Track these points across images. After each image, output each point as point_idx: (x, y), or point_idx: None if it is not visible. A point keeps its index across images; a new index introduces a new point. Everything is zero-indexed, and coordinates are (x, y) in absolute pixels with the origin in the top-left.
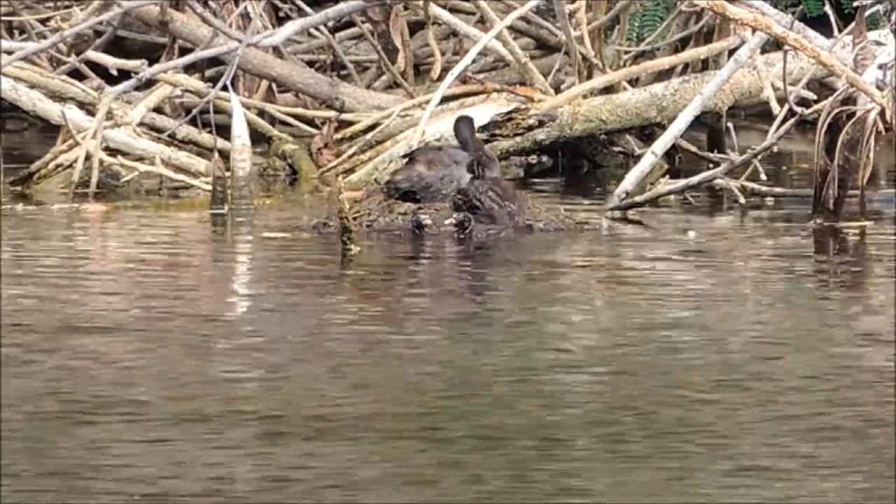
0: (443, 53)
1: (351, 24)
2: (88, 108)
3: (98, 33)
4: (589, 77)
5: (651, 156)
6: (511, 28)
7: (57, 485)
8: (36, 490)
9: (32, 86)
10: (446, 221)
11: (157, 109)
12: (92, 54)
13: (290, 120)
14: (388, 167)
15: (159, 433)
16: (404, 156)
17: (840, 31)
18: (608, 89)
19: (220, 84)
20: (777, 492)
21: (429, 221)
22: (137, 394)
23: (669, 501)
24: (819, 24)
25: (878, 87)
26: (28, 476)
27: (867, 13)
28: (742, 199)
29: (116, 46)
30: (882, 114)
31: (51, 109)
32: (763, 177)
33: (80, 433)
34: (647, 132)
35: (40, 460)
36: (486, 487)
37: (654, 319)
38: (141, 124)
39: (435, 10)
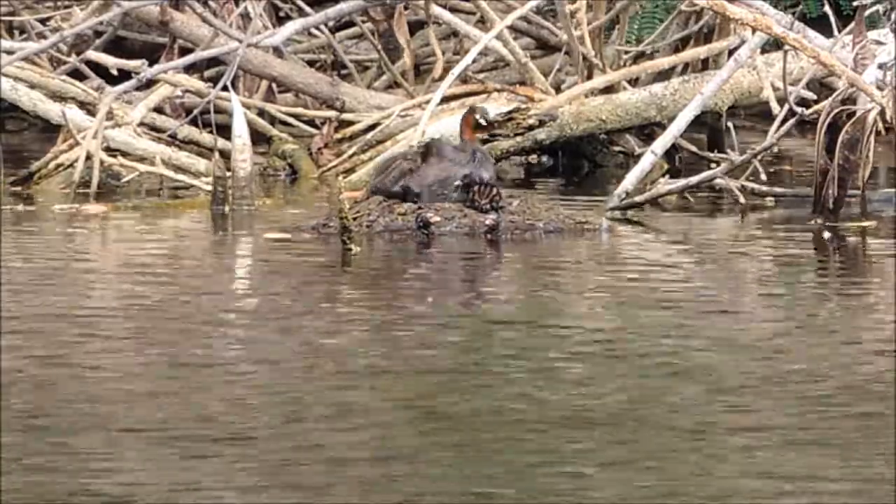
0: (443, 53)
1: (351, 23)
2: (89, 108)
3: (98, 33)
4: (589, 77)
5: (651, 155)
6: (511, 28)
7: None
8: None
9: (32, 86)
10: (486, 221)
11: (158, 109)
12: (92, 54)
13: (291, 120)
14: None
15: (157, 434)
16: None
17: (840, 31)
18: (608, 89)
19: (220, 84)
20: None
21: (437, 219)
22: (134, 396)
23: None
24: (819, 24)
25: (878, 87)
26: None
27: (867, 13)
28: (742, 199)
29: (116, 46)
30: (882, 113)
31: (51, 109)
32: (763, 177)
33: (77, 433)
34: (647, 132)
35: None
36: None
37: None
38: (141, 124)
39: (435, 9)
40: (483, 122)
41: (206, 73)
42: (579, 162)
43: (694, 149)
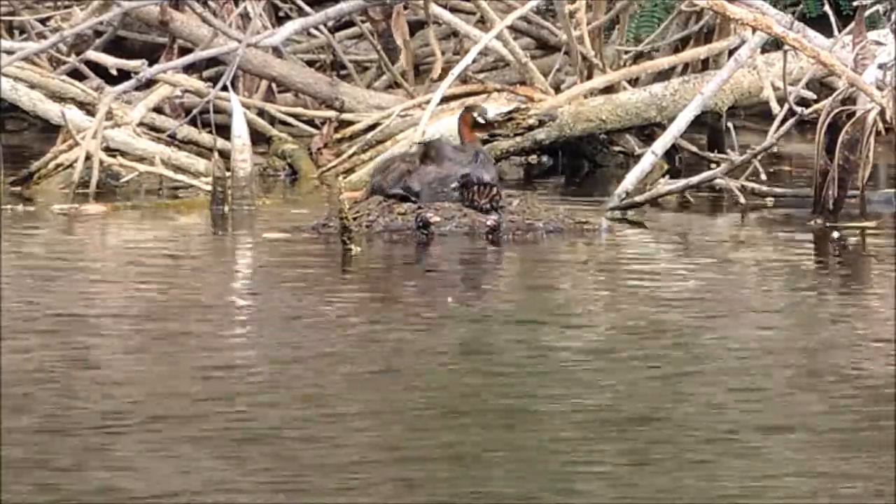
0: (443, 53)
1: (351, 23)
2: (88, 108)
3: (98, 33)
4: (589, 77)
5: (651, 156)
6: (511, 28)
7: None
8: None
9: (32, 86)
10: (488, 222)
11: (158, 109)
12: (92, 54)
13: (290, 120)
14: None
15: (153, 436)
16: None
17: (840, 31)
18: (608, 89)
19: (220, 84)
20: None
21: (436, 219)
22: (135, 395)
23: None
24: (819, 23)
25: (878, 87)
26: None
27: (867, 13)
28: (742, 200)
29: (116, 46)
30: (882, 114)
31: (51, 109)
32: (763, 177)
33: (75, 432)
34: (647, 132)
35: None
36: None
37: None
38: (141, 124)
39: (435, 9)
40: (482, 120)
41: (206, 73)
42: (579, 162)
43: (694, 149)
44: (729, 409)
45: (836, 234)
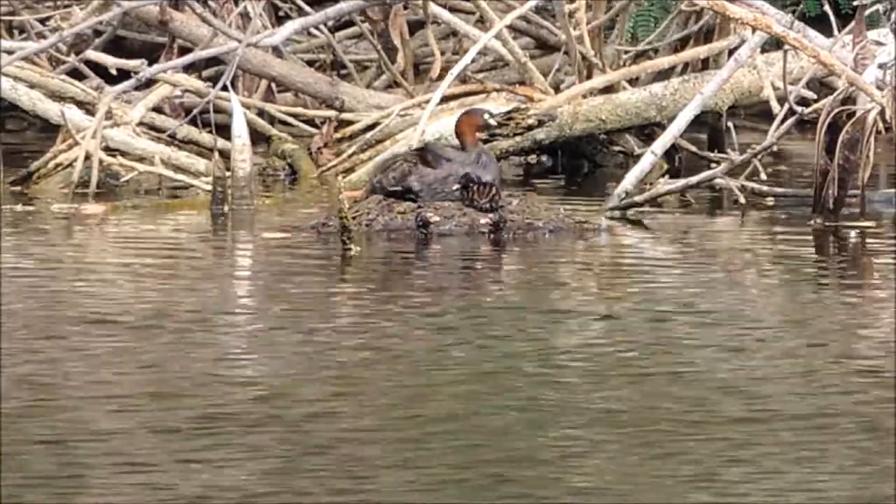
0: (442, 53)
1: (351, 23)
2: (88, 107)
3: (98, 33)
4: (589, 77)
5: (651, 155)
6: (511, 27)
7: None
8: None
9: (32, 85)
10: (482, 221)
11: (157, 109)
12: (92, 54)
13: (290, 119)
14: None
15: (154, 436)
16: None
17: (839, 30)
18: (608, 89)
19: (220, 84)
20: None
21: (436, 218)
22: (136, 394)
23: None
24: (819, 23)
25: (878, 87)
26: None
27: (866, 13)
28: (742, 199)
29: (116, 46)
30: (882, 113)
31: (51, 109)
32: (763, 176)
33: (75, 431)
34: (647, 132)
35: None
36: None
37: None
38: (140, 124)
39: (434, 9)
40: (493, 122)
41: (205, 73)
42: (579, 162)
43: (694, 149)
44: (729, 408)
45: (852, 234)
